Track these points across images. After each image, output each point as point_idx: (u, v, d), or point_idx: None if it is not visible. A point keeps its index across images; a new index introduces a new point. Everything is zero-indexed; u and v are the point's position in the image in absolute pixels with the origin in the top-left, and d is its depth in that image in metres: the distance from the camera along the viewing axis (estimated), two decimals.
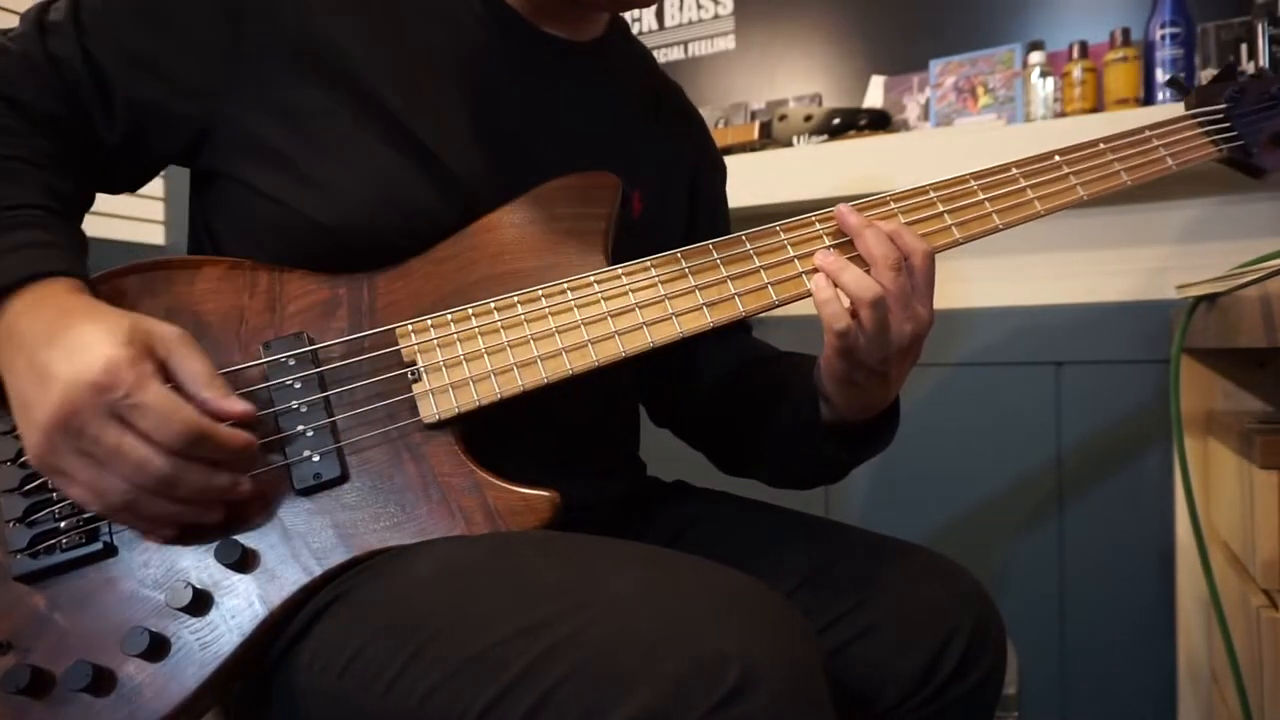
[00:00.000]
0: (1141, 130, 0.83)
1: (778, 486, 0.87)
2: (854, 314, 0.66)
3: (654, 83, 0.90)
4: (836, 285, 0.67)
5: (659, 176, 0.84)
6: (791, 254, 0.71)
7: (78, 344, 0.56)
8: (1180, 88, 0.96)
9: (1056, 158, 0.78)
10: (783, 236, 0.71)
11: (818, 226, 0.72)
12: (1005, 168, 0.77)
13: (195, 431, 0.56)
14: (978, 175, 0.76)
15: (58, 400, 0.55)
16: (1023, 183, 0.76)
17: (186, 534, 0.60)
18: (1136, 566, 1.41)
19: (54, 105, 0.67)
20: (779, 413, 0.79)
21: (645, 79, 0.89)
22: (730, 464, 0.92)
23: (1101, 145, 0.81)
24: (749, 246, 0.71)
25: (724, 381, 0.87)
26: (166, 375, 0.59)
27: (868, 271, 0.67)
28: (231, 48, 0.67)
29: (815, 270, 0.69)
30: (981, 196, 0.75)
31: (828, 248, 0.70)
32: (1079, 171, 0.78)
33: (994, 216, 0.75)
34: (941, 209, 0.74)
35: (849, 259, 0.68)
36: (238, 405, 0.59)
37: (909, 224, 0.72)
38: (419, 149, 0.69)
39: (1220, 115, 0.88)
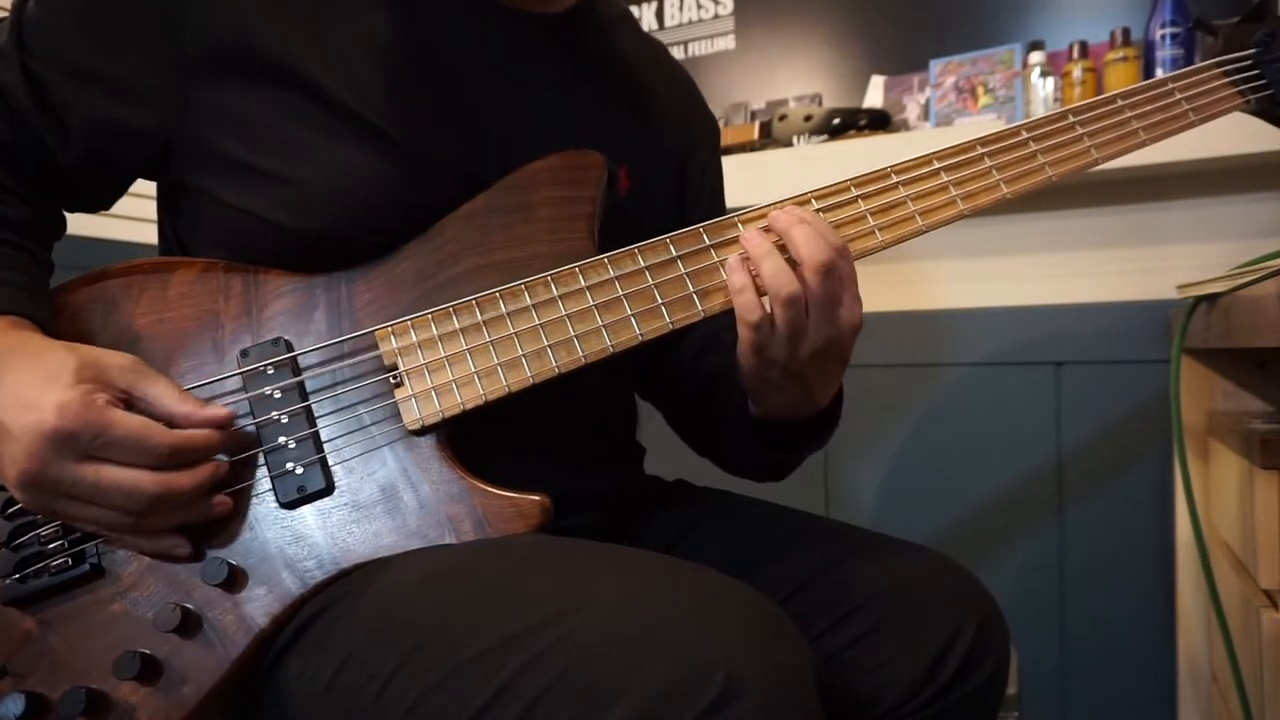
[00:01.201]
0: (1163, 81, 0.78)
1: (732, 474, 0.86)
2: (771, 309, 0.63)
3: (633, 49, 0.85)
4: (756, 273, 0.64)
5: (646, 149, 0.81)
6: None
7: (25, 392, 0.55)
8: (1207, 29, 0.88)
9: (1070, 117, 0.74)
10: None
11: (815, 205, 0.69)
12: (1015, 131, 0.73)
13: (173, 447, 0.57)
14: (985, 141, 0.72)
15: (22, 456, 0.54)
16: (1033, 146, 0.73)
17: (201, 538, 0.60)
18: (1136, 567, 1.41)
19: (2, 133, 0.65)
20: (728, 401, 0.77)
21: (623, 47, 0.84)
22: (694, 444, 0.91)
23: (1119, 101, 0.76)
24: (742, 230, 0.68)
25: (696, 361, 0.85)
26: (129, 403, 0.58)
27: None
28: (176, 56, 0.65)
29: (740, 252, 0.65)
30: (990, 164, 0.72)
31: (762, 229, 0.65)
32: (1093, 131, 0.74)
33: (1001, 186, 0.71)
34: (946, 179, 0.71)
35: (778, 245, 0.64)
36: (217, 412, 0.60)
37: (912, 194, 0.70)
38: (382, 139, 0.66)
39: (1249, 62, 0.81)
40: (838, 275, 0.63)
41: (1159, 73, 1.38)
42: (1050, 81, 1.47)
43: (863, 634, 0.71)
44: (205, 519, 0.60)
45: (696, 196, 0.87)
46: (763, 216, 0.68)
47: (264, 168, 0.66)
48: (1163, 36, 1.38)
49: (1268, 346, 0.82)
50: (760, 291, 0.64)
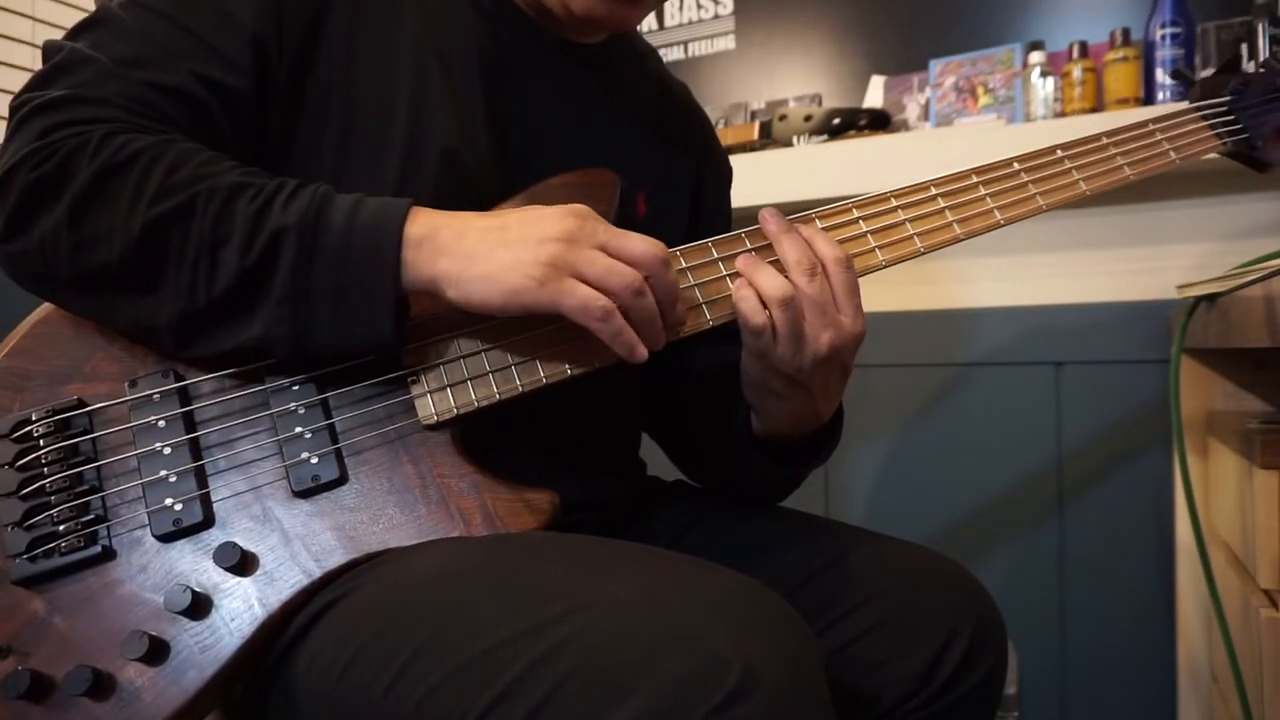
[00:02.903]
0: (1145, 123, 0.83)
1: (733, 497, 0.86)
2: (769, 313, 0.66)
3: (659, 82, 0.90)
4: (753, 286, 0.66)
5: (664, 178, 0.84)
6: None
7: (526, 212, 0.61)
8: (1185, 79, 0.95)
9: (1059, 152, 0.78)
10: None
11: (818, 224, 0.71)
12: (1007, 163, 0.76)
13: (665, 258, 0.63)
14: (980, 171, 0.75)
15: (564, 211, 0.60)
16: (1025, 177, 0.76)
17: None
18: (1136, 567, 1.41)
19: (189, 130, 0.63)
20: (731, 419, 0.79)
21: (650, 79, 0.89)
22: (695, 472, 0.92)
23: (1104, 139, 0.80)
24: (749, 245, 0.70)
25: (699, 383, 0.87)
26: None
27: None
28: (293, 45, 0.66)
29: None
30: (984, 192, 0.74)
31: (749, 250, 0.69)
32: (1081, 166, 0.78)
33: (996, 213, 0.74)
34: (943, 205, 0.73)
35: (770, 262, 0.68)
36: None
37: (912, 218, 0.72)
38: (432, 148, 0.68)
39: (1224, 108, 0.87)
40: (827, 275, 0.66)
41: (1159, 73, 1.38)
42: (1050, 81, 1.48)
43: (862, 633, 0.71)
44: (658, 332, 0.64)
45: (708, 229, 0.89)
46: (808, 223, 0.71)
47: (328, 163, 0.67)
48: (1163, 37, 1.38)
49: (1269, 346, 0.82)
50: (763, 301, 0.66)
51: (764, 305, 0.65)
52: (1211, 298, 1.00)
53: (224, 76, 0.64)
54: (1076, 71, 1.45)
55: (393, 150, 0.68)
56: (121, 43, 0.63)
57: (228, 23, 0.64)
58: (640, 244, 0.61)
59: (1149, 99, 1.40)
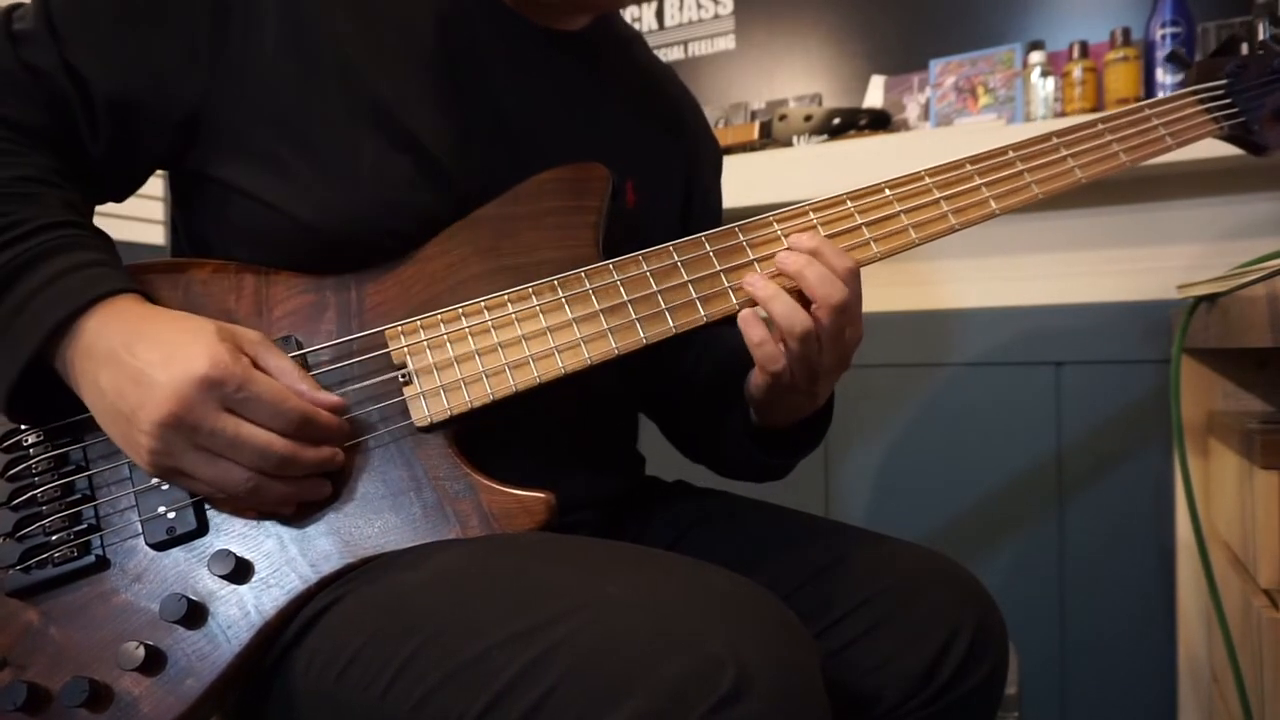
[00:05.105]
0: (1140, 108, 0.82)
1: (730, 478, 0.88)
2: (783, 342, 0.66)
3: (645, 69, 0.88)
4: (768, 314, 0.66)
5: (653, 165, 0.83)
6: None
7: (172, 345, 0.56)
8: (1181, 62, 0.94)
9: (1054, 139, 0.77)
10: (777, 228, 0.70)
11: (812, 216, 0.71)
12: (1002, 150, 0.76)
13: (306, 414, 0.59)
14: (974, 160, 0.75)
15: (168, 398, 0.55)
16: (1020, 165, 0.75)
17: (302, 508, 0.62)
18: (1136, 566, 1.41)
19: (40, 118, 0.64)
20: (726, 409, 0.79)
21: (636, 65, 0.87)
22: (690, 451, 0.92)
23: (1100, 125, 0.79)
24: (742, 239, 0.70)
25: (697, 366, 0.87)
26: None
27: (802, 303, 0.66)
28: (219, 42, 0.65)
29: (748, 302, 0.67)
30: (978, 181, 0.74)
31: (759, 276, 0.68)
32: (1076, 153, 0.77)
33: (991, 202, 0.74)
34: (938, 195, 0.73)
35: (772, 276, 0.67)
36: (331, 397, 0.62)
37: (907, 209, 0.72)
38: (411, 144, 0.68)
39: (1221, 91, 0.86)
40: (848, 306, 0.66)
41: (1159, 73, 1.38)
42: (1050, 81, 1.47)
43: (862, 633, 0.71)
44: (311, 498, 0.61)
45: (700, 216, 0.89)
46: (765, 226, 0.70)
47: (293, 162, 0.66)
48: (1163, 36, 1.38)
49: (1270, 346, 0.82)
50: (778, 338, 0.66)
51: (779, 334, 0.66)
52: (1212, 298, 1.00)
53: (95, 73, 0.64)
54: (1077, 71, 1.45)
55: (364, 150, 0.67)
56: (23, 20, 0.64)
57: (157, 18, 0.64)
58: (257, 437, 0.57)
59: (1149, 98, 1.40)
